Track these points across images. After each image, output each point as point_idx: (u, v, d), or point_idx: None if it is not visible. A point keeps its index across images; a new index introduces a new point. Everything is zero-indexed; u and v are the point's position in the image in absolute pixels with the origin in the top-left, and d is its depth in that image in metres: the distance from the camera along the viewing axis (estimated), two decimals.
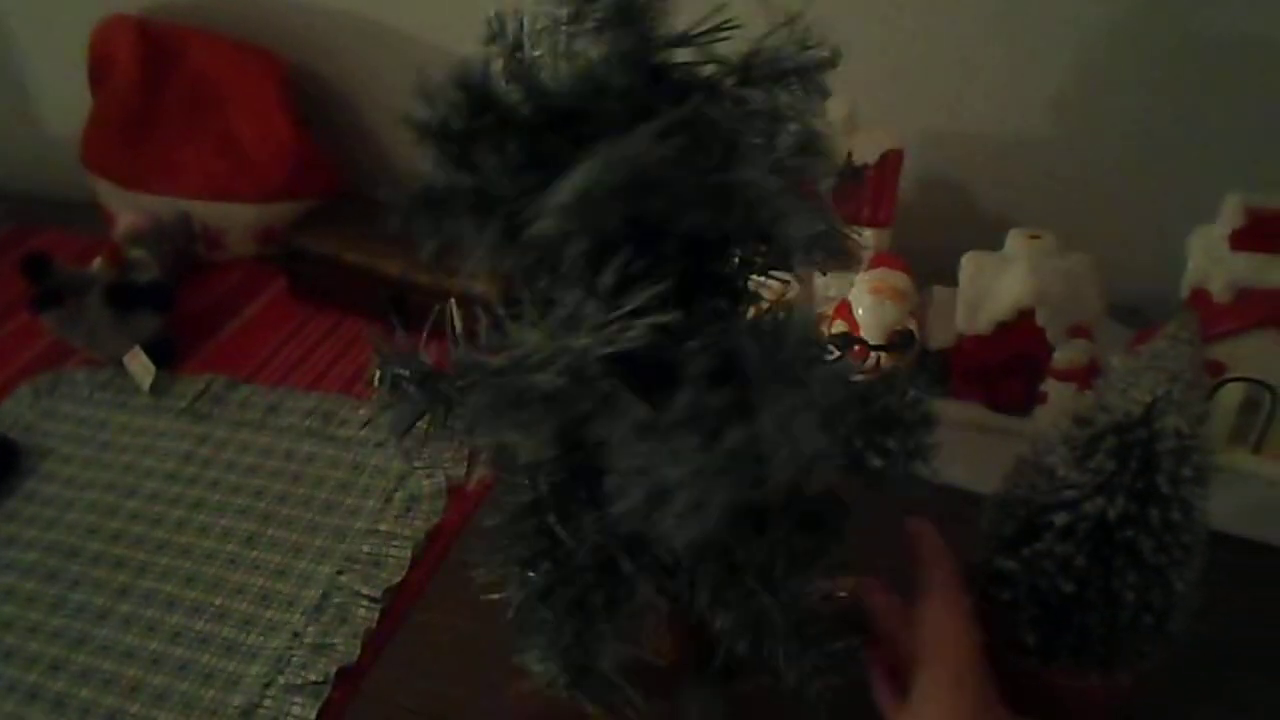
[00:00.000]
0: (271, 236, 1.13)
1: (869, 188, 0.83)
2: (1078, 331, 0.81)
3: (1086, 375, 0.81)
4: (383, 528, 0.80)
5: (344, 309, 1.06)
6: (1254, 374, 0.79)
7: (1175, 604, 0.52)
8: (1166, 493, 0.49)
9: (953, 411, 0.86)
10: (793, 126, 0.43)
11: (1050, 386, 0.82)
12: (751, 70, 0.44)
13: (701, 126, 0.42)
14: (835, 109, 0.82)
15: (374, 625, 0.73)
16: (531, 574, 0.53)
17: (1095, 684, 0.55)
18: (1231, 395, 0.80)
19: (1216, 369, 0.79)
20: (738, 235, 0.46)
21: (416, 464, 0.85)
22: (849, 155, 0.81)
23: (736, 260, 0.48)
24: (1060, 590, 0.52)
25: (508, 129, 0.41)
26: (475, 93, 0.41)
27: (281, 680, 0.70)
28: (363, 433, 0.90)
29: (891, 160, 0.83)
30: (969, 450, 0.83)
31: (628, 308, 0.41)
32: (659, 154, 0.39)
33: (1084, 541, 0.51)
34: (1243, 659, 0.68)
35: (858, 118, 0.84)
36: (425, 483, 0.84)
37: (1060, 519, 0.51)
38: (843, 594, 0.55)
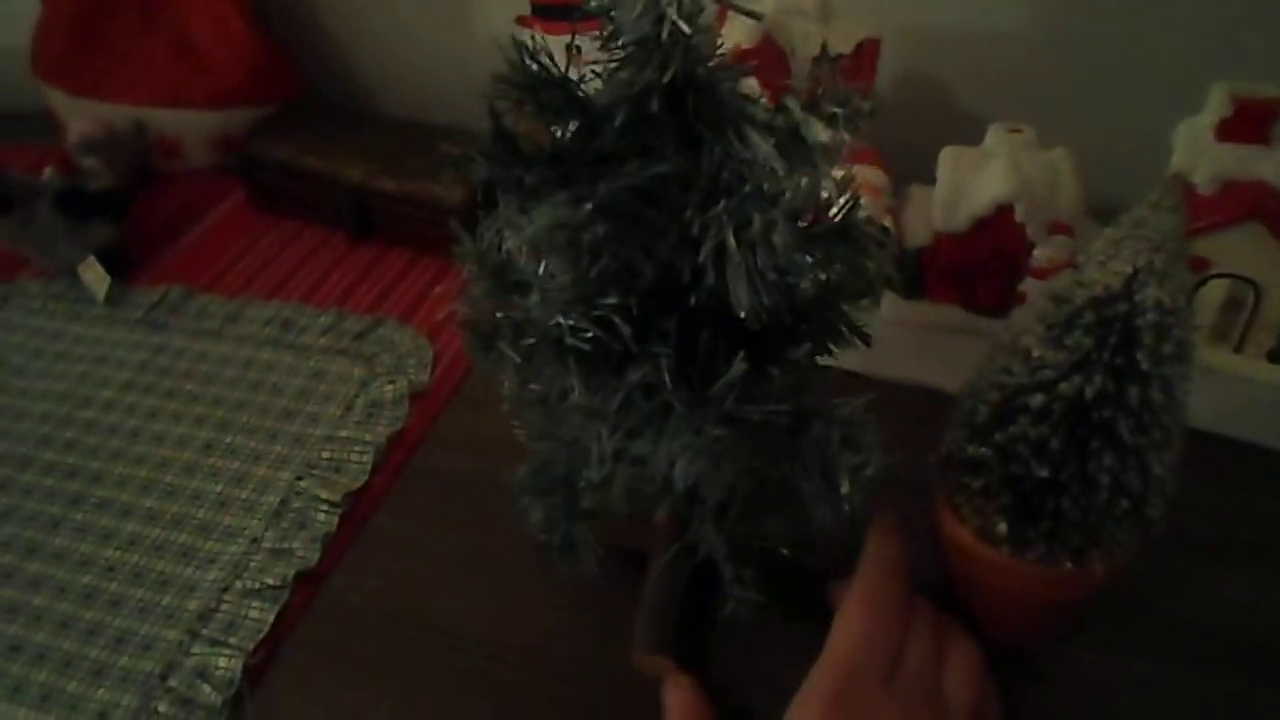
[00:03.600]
0: (230, 145, 1.09)
1: (844, 78, 0.80)
2: (1058, 228, 0.79)
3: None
4: (343, 434, 0.78)
5: (304, 217, 1.02)
6: (1238, 270, 0.77)
7: (1153, 488, 0.51)
8: (1146, 370, 0.47)
9: (929, 313, 0.84)
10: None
11: (1029, 286, 0.80)
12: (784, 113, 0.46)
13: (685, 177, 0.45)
14: None
15: (334, 530, 0.71)
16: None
17: (1068, 574, 0.53)
18: (1214, 292, 0.78)
19: (1200, 264, 0.77)
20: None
21: (378, 370, 0.83)
22: (823, 45, 0.79)
23: None
24: (1034, 475, 0.50)
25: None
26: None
27: (239, 585, 0.68)
28: (323, 340, 0.87)
29: (868, 49, 0.80)
30: (945, 352, 0.81)
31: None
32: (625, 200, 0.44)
33: (1059, 423, 0.49)
34: (1220, 555, 0.67)
35: (833, 4, 0.81)
36: (388, 389, 0.81)
37: (1035, 401, 0.49)
38: (784, 551, 0.63)
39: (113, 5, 1.08)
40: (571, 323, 0.48)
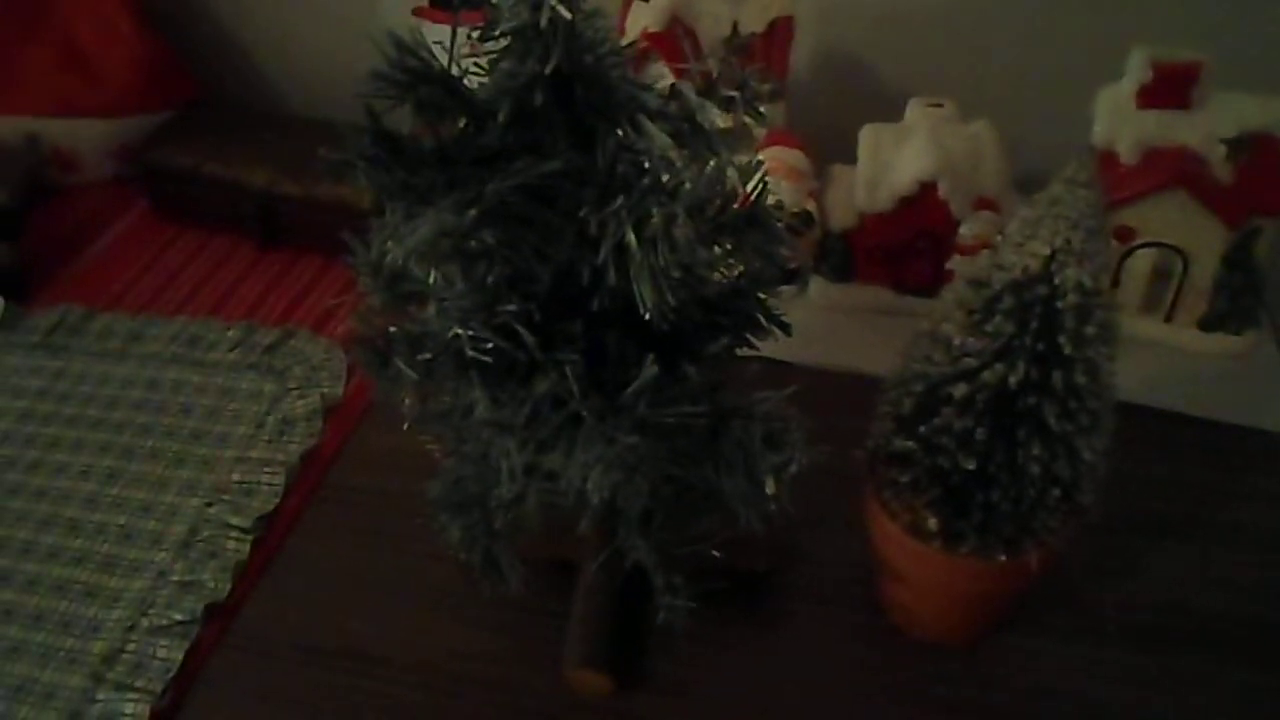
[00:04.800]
0: (130, 155, 1.04)
1: (757, 59, 0.77)
2: (983, 204, 0.77)
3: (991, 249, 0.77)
4: (254, 454, 0.74)
5: (210, 227, 0.98)
6: (1164, 238, 0.76)
7: (1084, 474, 0.49)
8: (1070, 354, 0.45)
9: (858, 296, 0.82)
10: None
11: (957, 264, 0.78)
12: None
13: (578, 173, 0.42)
14: None
15: (245, 558, 0.68)
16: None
17: (1002, 566, 0.52)
18: (1141, 262, 0.77)
19: (1126, 234, 0.76)
20: None
21: (290, 385, 0.79)
22: (734, 25, 0.77)
23: None
24: (962, 468, 0.48)
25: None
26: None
27: (146, 622, 0.64)
28: (232, 355, 0.83)
29: (781, 28, 0.77)
30: (875, 335, 0.79)
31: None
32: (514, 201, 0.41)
33: (984, 413, 0.47)
34: (1157, 531, 0.66)
35: None
36: (300, 404, 0.78)
37: (959, 391, 0.47)
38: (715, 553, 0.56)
39: None
40: (471, 333, 0.46)
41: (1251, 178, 0.73)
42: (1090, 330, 0.45)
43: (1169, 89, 0.73)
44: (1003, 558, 0.52)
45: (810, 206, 0.78)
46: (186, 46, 1.10)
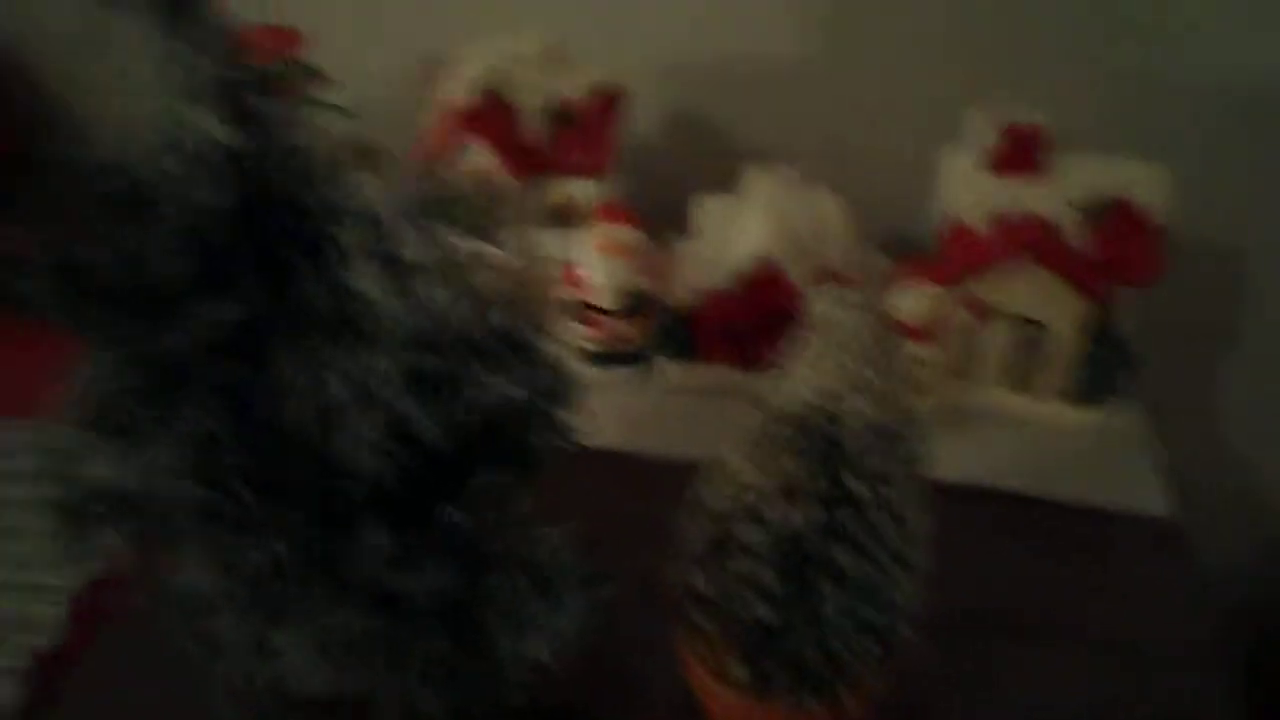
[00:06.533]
0: None
1: (581, 132, 0.71)
2: (830, 276, 0.72)
3: None
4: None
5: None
6: (1020, 310, 0.71)
7: (897, 618, 0.43)
8: (862, 494, 0.39)
9: (703, 376, 0.76)
10: None
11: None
12: None
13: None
14: (528, 43, 0.70)
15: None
16: None
17: (818, 714, 0.46)
18: (999, 335, 0.73)
19: (979, 307, 0.72)
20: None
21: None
22: (559, 97, 0.71)
23: None
24: (760, 619, 0.43)
25: None
26: None
27: None
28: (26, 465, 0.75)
29: (605, 98, 0.71)
30: (719, 419, 0.74)
31: None
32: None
33: (775, 558, 0.41)
34: (1016, 627, 0.61)
35: (565, 50, 0.72)
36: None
37: (748, 534, 0.42)
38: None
39: None
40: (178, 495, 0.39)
41: (1107, 244, 0.69)
42: (885, 466, 0.39)
43: (1014, 153, 0.69)
44: (817, 706, 0.46)
45: (645, 284, 0.72)
46: None
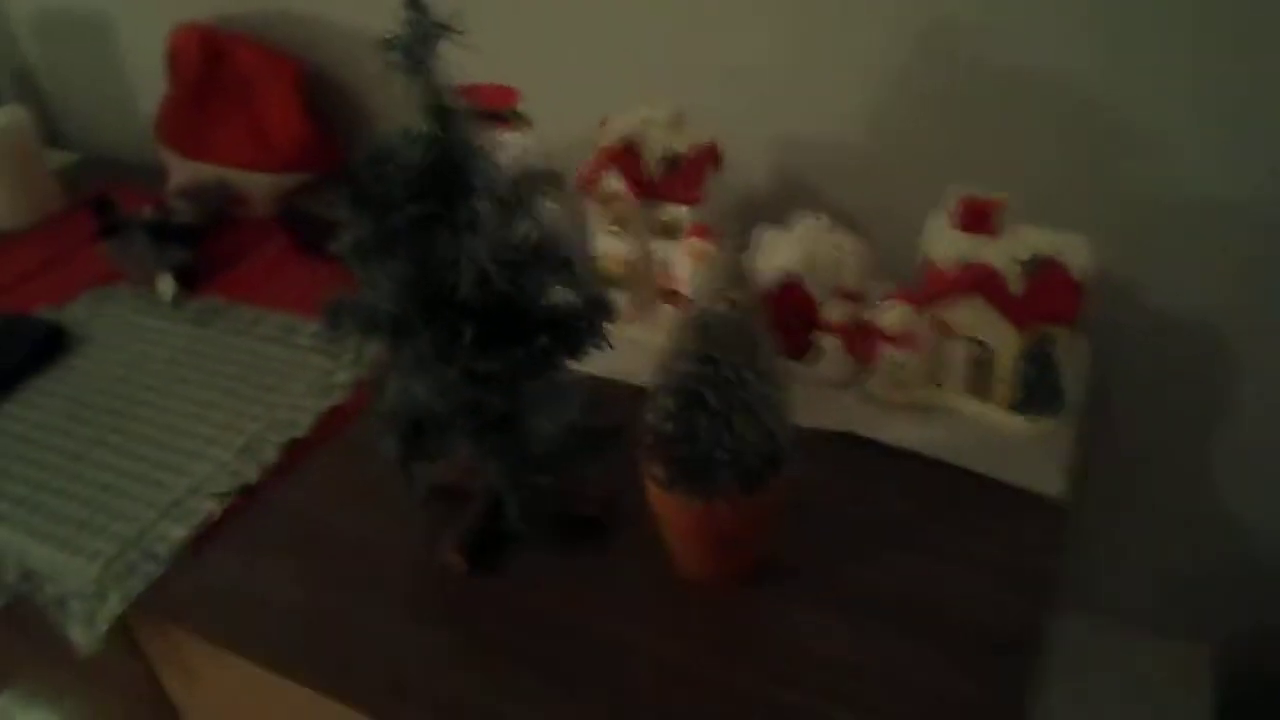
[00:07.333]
0: (284, 201, 1.43)
1: (683, 174, 1.06)
2: (845, 294, 1.03)
3: (849, 330, 1.03)
4: (306, 403, 1.08)
5: (325, 258, 1.34)
6: (972, 334, 0.99)
7: (747, 447, 0.74)
8: (719, 359, 0.71)
9: None
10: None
11: (819, 337, 1.04)
12: None
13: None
14: (660, 110, 1.06)
15: (274, 460, 1.01)
16: None
17: (703, 507, 0.77)
18: (959, 350, 1.00)
19: (944, 327, 1.00)
20: None
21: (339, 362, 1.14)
22: (673, 149, 1.06)
23: None
24: (663, 430, 0.75)
25: None
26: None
27: (204, 489, 0.98)
28: (308, 341, 1.18)
29: (702, 152, 1.06)
30: None
31: None
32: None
33: (673, 393, 0.74)
34: (908, 545, 0.88)
35: (684, 118, 1.08)
36: (340, 375, 1.11)
37: (663, 379, 0.74)
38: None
39: (211, 91, 1.45)
40: (387, 308, 0.76)
41: (1039, 291, 0.95)
42: (732, 345, 0.71)
43: (974, 218, 0.97)
44: (698, 503, 0.77)
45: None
46: (339, 124, 1.49)
